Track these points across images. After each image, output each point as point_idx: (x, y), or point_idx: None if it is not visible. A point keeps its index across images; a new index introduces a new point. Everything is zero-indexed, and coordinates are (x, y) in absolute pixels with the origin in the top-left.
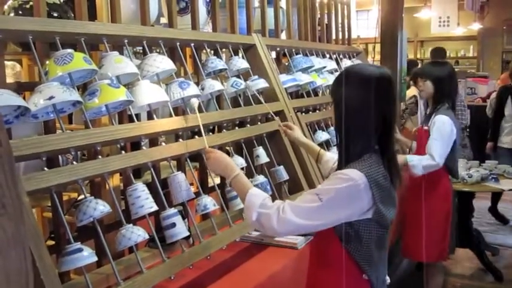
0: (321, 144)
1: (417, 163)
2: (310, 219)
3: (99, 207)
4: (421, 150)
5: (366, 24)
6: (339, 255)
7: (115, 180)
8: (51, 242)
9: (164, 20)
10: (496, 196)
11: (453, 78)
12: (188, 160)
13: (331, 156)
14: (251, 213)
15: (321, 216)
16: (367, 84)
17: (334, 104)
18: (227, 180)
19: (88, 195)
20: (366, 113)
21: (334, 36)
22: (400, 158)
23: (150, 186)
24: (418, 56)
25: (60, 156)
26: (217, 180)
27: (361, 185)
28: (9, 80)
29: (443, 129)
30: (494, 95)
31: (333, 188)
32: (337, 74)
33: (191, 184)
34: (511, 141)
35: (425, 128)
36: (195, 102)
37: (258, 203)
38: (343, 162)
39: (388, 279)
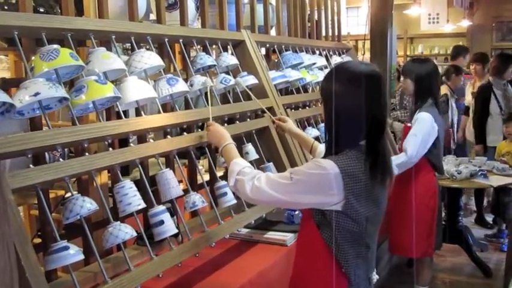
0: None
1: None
2: (280, 193)
3: (86, 205)
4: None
5: (355, 21)
6: (319, 246)
7: (103, 177)
8: (38, 240)
9: (153, 16)
10: (479, 204)
11: (433, 76)
12: (177, 157)
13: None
14: (230, 180)
15: (289, 194)
16: (356, 82)
17: (323, 100)
18: (219, 149)
19: (75, 192)
20: (353, 110)
21: (324, 33)
22: None
23: (139, 184)
24: (408, 53)
25: (47, 154)
26: (206, 177)
27: (331, 174)
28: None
29: (423, 126)
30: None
31: (304, 171)
32: (326, 70)
33: (180, 181)
34: (499, 139)
35: (409, 125)
36: (209, 83)
37: (237, 170)
38: (327, 155)
39: (375, 277)
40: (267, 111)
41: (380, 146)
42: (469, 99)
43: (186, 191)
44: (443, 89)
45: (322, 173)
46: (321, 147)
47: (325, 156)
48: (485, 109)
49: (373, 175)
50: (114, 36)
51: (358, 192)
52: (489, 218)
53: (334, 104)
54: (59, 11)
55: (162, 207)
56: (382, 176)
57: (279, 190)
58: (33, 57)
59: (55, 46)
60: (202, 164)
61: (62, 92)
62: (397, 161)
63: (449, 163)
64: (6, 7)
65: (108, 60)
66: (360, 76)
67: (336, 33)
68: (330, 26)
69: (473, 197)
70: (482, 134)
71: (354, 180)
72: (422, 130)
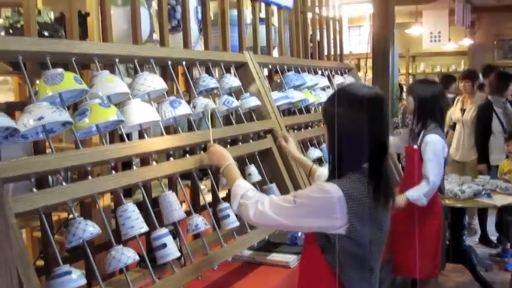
0: (313, 162)
1: (418, 196)
2: (283, 216)
3: (89, 229)
4: (409, 168)
5: (358, 40)
6: (323, 269)
7: (106, 199)
8: (41, 262)
9: (156, 36)
10: (483, 221)
11: (436, 99)
12: (179, 179)
13: (323, 172)
14: (233, 203)
15: (292, 218)
16: (358, 105)
17: (325, 124)
18: (220, 169)
19: (77, 215)
20: (356, 133)
21: (326, 52)
22: (400, 198)
23: (141, 205)
24: (410, 71)
25: (50, 176)
26: (209, 197)
27: (334, 197)
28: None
29: (435, 149)
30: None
31: (307, 195)
32: (329, 90)
33: (182, 201)
34: (502, 158)
35: (415, 146)
36: (210, 106)
37: (240, 193)
38: (329, 178)
39: None
40: (277, 129)
41: (383, 169)
42: (457, 116)
43: (188, 213)
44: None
45: (325, 196)
46: (320, 171)
47: (328, 180)
48: (487, 128)
49: (376, 198)
50: (117, 60)
51: (362, 216)
52: (493, 237)
53: (337, 127)
54: (64, 34)
55: (164, 230)
56: (385, 198)
57: (282, 214)
58: (37, 81)
59: (59, 70)
60: (204, 184)
61: (65, 116)
62: (423, 191)
63: (452, 182)
64: (11, 31)
65: (111, 83)
66: (362, 99)
67: (338, 53)
68: (332, 45)
69: (477, 216)
70: (485, 152)
71: (357, 203)
72: (435, 153)
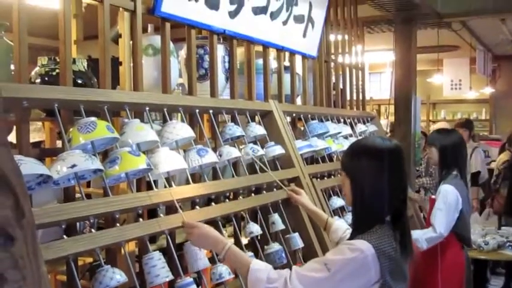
0: (335, 211)
1: (419, 237)
2: None
3: (116, 277)
4: (429, 218)
5: (378, 86)
6: None
7: (131, 245)
8: None
9: (181, 80)
10: (510, 273)
11: (458, 147)
12: None
13: (340, 225)
14: None
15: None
16: (379, 158)
17: (346, 177)
18: (219, 255)
19: (103, 259)
20: (378, 187)
21: (348, 97)
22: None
23: (165, 250)
24: (431, 118)
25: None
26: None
27: (368, 256)
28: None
29: (447, 199)
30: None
31: (341, 259)
32: (352, 138)
33: None
34: None
35: (433, 197)
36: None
37: (264, 278)
38: (354, 233)
39: None
40: (279, 182)
41: (405, 220)
42: None
43: (211, 258)
44: (505, 156)
45: (359, 256)
46: (336, 224)
47: (353, 235)
48: None
49: (402, 250)
50: (148, 108)
51: (392, 270)
52: None
53: (361, 181)
54: (96, 81)
55: (189, 279)
56: (406, 250)
57: (316, 286)
58: (70, 129)
59: (92, 119)
60: (225, 229)
61: (97, 164)
62: (426, 235)
63: (475, 233)
64: (47, 79)
65: (142, 132)
66: (383, 152)
67: (361, 99)
68: (354, 93)
69: None
70: None
71: (388, 258)
72: (446, 203)
